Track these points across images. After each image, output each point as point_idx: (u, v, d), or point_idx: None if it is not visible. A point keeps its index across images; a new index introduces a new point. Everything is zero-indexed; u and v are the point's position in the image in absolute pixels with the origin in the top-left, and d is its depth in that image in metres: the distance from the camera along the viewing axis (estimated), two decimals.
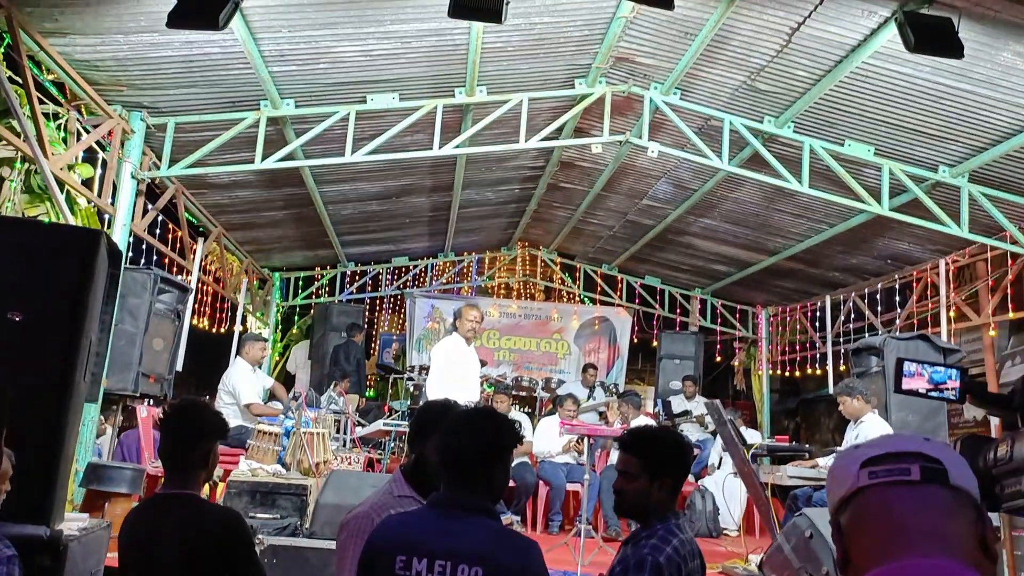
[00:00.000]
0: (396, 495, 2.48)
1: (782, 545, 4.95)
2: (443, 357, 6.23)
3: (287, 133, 6.81)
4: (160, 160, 6.63)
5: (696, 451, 8.82)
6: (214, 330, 9.93)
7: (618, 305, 12.44)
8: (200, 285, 9.14)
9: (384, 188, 8.91)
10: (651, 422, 8.50)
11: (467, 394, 6.13)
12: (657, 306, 12.29)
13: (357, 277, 12.17)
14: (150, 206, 7.18)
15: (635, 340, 12.78)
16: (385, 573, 2.04)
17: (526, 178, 9.36)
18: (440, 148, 6.64)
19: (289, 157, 6.86)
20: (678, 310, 12.35)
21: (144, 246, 7.50)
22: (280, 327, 12.47)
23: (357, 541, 2.27)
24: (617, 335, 12.50)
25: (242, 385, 6.81)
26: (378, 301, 12.66)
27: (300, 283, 12.08)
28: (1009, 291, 7.65)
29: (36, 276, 3.18)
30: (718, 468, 8.47)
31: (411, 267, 12.31)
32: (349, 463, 6.69)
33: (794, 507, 6.13)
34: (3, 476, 2.33)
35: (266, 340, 7.37)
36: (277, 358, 12.44)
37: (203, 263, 8.91)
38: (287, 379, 12.41)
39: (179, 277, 7.24)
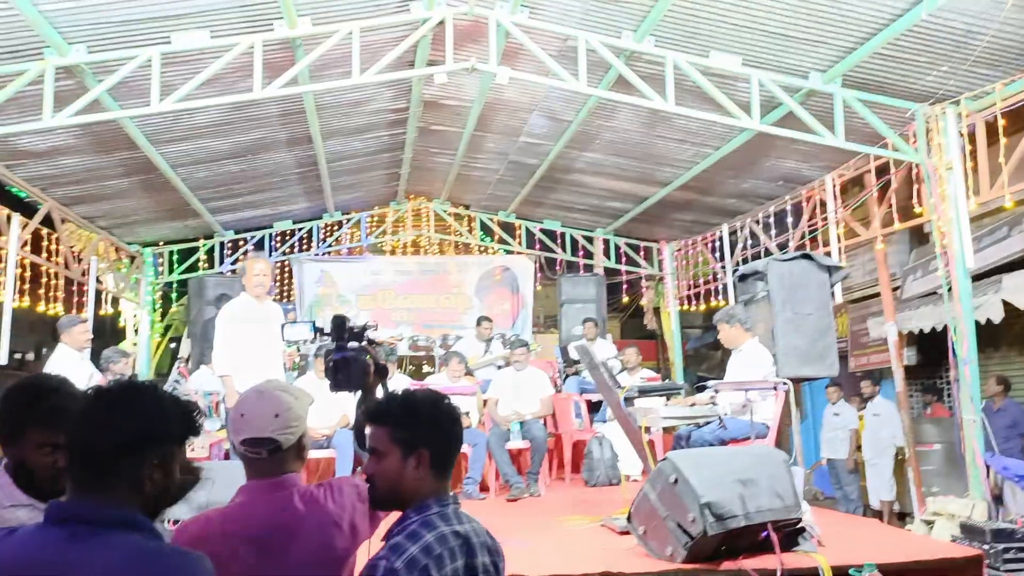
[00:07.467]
0: (6, 505, 1.88)
1: (648, 493, 4.52)
2: (225, 321, 5.45)
3: (88, 84, 5.97)
4: None
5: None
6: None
7: (517, 252, 11.89)
8: (46, 268, 8.37)
9: (235, 144, 8.09)
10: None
11: (263, 354, 5.38)
12: (559, 249, 11.78)
13: (240, 245, 11.35)
14: None
15: (539, 288, 12.29)
16: None
17: (392, 123, 8.65)
18: (263, 89, 5.90)
19: (95, 111, 6.04)
20: (581, 252, 11.86)
21: None
22: (160, 306, 11.62)
23: None
24: (519, 283, 11.98)
25: (66, 374, 6.06)
26: None
27: (176, 257, 11.20)
28: (895, 202, 7.30)
29: None
30: None
31: (295, 231, 11.52)
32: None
33: (679, 447, 5.75)
34: None
35: (85, 320, 6.58)
36: (159, 339, 11.62)
37: (44, 242, 8.17)
38: (172, 361, 11.61)
39: None
